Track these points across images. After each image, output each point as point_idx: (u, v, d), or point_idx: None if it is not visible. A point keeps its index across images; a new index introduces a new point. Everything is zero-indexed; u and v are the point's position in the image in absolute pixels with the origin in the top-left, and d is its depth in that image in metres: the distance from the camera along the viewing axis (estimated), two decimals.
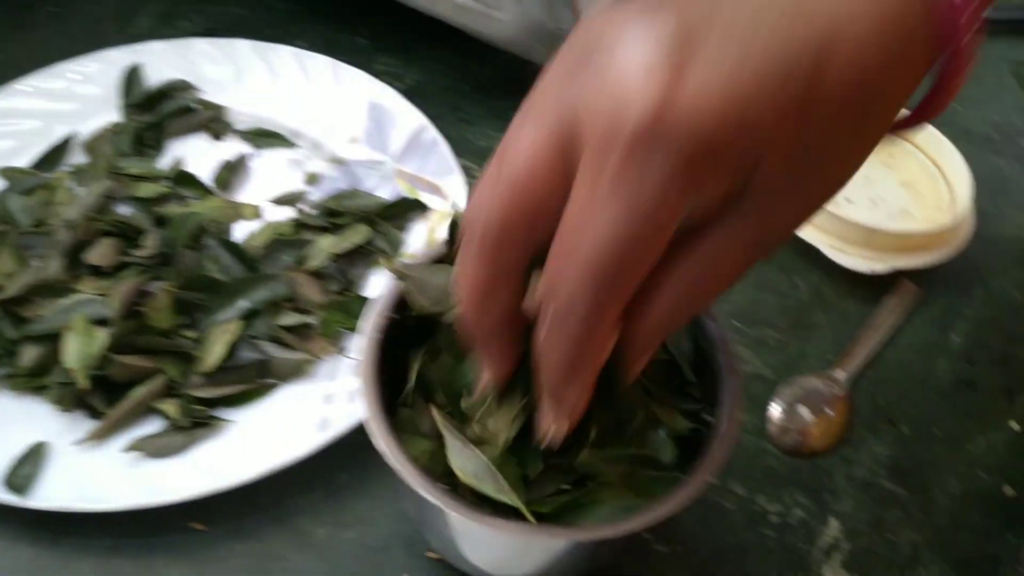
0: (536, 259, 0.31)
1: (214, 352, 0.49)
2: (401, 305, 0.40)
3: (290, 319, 0.51)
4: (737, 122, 0.26)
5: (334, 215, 0.57)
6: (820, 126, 0.28)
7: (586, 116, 0.27)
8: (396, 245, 0.57)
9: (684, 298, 0.31)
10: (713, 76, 0.26)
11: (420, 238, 0.58)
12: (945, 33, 0.28)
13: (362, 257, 0.56)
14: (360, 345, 0.39)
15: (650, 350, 0.32)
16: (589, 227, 0.27)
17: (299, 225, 0.57)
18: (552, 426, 0.33)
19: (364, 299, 0.53)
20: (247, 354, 0.50)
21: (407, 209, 0.59)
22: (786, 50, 0.26)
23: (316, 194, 0.60)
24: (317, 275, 0.54)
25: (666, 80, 0.25)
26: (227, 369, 0.49)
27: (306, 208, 0.58)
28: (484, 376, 0.35)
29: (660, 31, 0.26)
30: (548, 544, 0.36)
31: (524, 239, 0.30)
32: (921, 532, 0.51)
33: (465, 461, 0.35)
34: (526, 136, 0.28)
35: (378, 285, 0.55)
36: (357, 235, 0.56)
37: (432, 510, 0.37)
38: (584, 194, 0.27)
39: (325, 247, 0.55)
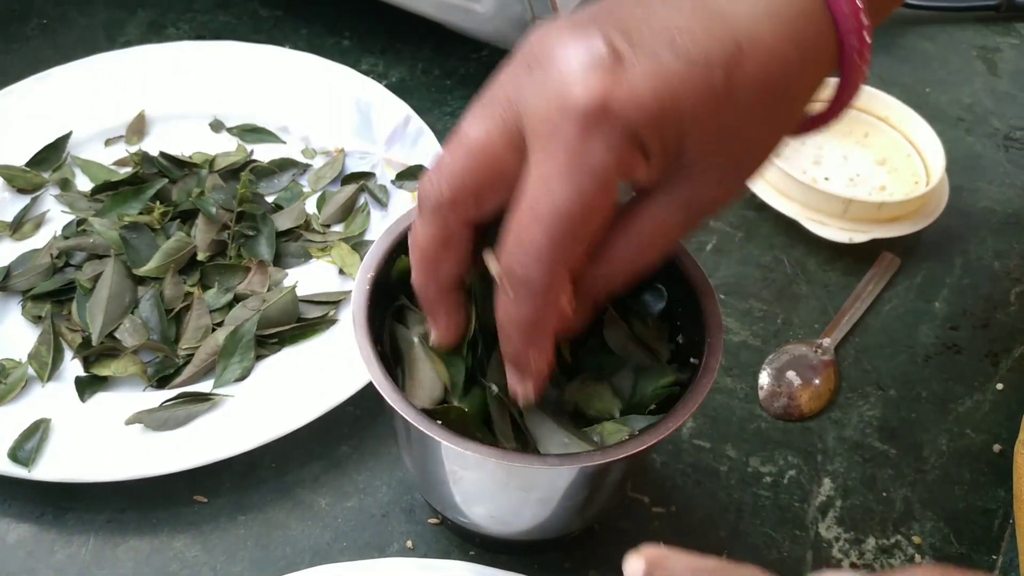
0: (486, 239, 0.35)
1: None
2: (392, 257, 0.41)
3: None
4: (669, 104, 0.31)
5: None
6: (736, 111, 0.33)
7: (531, 111, 0.32)
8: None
9: (628, 259, 0.36)
10: (647, 69, 0.31)
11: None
12: (845, 44, 0.34)
13: None
14: (355, 288, 0.40)
15: (595, 305, 0.37)
16: (546, 194, 0.32)
17: None
18: (519, 389, 0.37)
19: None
20: None
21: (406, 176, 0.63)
22: (707, 47, 0.31)
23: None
24: None
25: (604, 76, 0.31)
26: None
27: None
28: (432, 339, 0.38)
29: (590, 42, 0.31)
30: (538, 474, 0.37)
31: (473, 205, 0.34)
32: (914, 489, 0.52)
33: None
34: (478, 123, 0.33)
35: None
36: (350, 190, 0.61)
37: (425, 450, 0.38)
38: (537, 171, 0.32)
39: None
